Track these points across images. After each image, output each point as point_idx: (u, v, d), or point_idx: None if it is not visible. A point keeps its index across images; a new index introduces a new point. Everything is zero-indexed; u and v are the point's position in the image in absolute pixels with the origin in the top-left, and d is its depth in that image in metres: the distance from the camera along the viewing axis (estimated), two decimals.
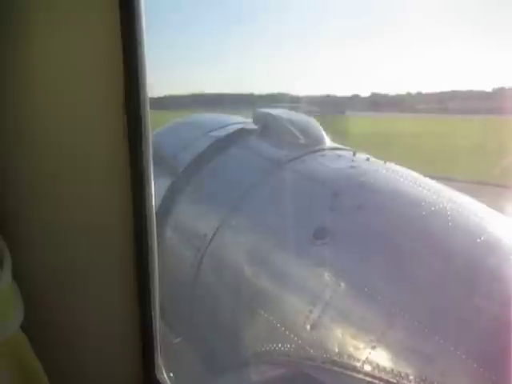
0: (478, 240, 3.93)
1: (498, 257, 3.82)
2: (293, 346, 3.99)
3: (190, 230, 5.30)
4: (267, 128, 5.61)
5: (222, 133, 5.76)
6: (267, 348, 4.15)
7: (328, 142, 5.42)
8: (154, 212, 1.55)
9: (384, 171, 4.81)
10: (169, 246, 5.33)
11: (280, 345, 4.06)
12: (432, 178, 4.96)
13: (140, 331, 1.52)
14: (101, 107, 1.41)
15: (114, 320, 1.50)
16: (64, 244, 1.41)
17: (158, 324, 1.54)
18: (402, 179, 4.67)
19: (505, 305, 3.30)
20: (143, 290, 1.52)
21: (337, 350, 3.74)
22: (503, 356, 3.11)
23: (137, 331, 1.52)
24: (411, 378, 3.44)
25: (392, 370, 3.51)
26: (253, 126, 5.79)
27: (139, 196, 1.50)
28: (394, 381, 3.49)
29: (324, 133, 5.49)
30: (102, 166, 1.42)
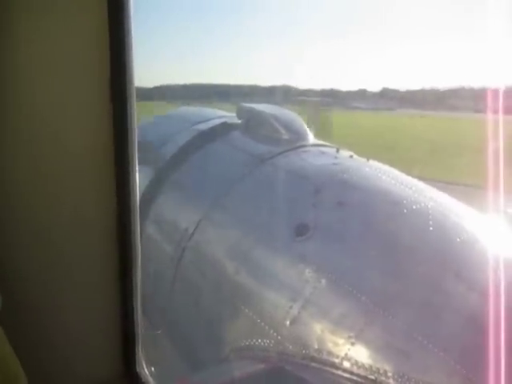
0: (458, 239, 3.96)
1: (477, 256, 3.85)
2: (272, 341, 3.99)
3: (171, 224, 5.27)
4: (251, 123, 5.59)
5: (206, 127, 5.73)
6: (247, 343, 4.15)
7: (311, 138, 5.41)
8: (138, 214, 1.53)
9: (367, 169, 4.83)
10: (150, 240, 5.30)
11: (260, 340, 4.06)
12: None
13: (121, 327, 1.50)
14: (87, 103, 1.39)
15: (95, 316, 1.48)
16: (47, 241, 1.39)
17: (139, 319, 1.53)
18: (384, 177, 4.69)
19: (481, 303, 3.34)
20: (125, 286, 1.50)
21: (316, 346, 3.75)
22: (479, 353, 3.15)
23: (118, 327, 1.50)
24: (389, 374, 3.46)
25: (371, 367, 3.53)
26: (236, 121, 5.77)
27: (123, 192, 1.48)
28: (373, 377, 3.51)
29: (308, 129, 5.49)
30: (87, 160, 1.41)
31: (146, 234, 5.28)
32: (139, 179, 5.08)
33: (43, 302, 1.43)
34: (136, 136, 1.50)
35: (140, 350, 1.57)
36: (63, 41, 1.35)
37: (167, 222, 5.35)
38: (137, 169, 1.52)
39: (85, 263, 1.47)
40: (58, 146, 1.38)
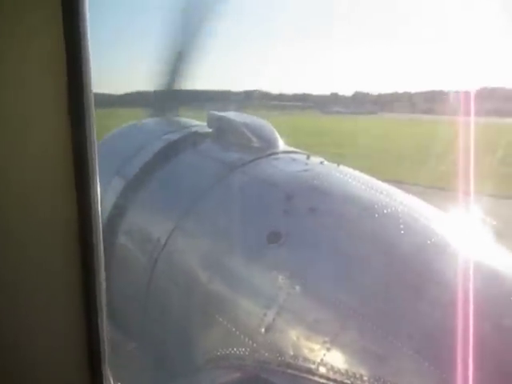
0: (429, 242, 4.01)
1: (447, 259, 3.90)
2: (248, 349, 3.98)
3: (143, 234, 5.24)
4: (221, 131, 5.59)
5: (176, 136, 5.71)
6: (222, 352, 4.13)
7: (282, 145, 5.43)
8: (101, 217, 1.51)
9: (337, 174, 4.86)
10: (122, 252, 5.25)
11: (235, 349, 4.04)
12: None
13: (86, 341, 1.48)
14: (44, 111, 1.37)
15: (58, 329, 1.45)
16: (6, 250, 1.36)
17: (105, 334, 1.51)
18: (354, 182, 4.73)
19: (453, 305, 3.38)
20: (89, 298, 1.48)
21: (292, 353, 3.75)
22: (453, 354, 3.19)
23: (83, 341, 1.48)
24: (365, 378, 3.48)
25: (347, 371, 3.54)
26: (207, 130, 5.77)
27: (85, 201, 1.45)
28: (349, 382, 3.52)
29: (278, 136, 5.51)
30: (46, 170, 1.38)
31: (118, 245, 5.23)
32: (111, 190, 5.02)
33: (2, 315, 1.40)
34: (95, 145, 1.48)
35: (107, 365, 1.54)
36: (17, 47, 1.32)
37: (139, 233, 5.31)
38: (97, 179, 1.50)
39: (45, 278, 1.44)
40: (14, 157, 1.35)
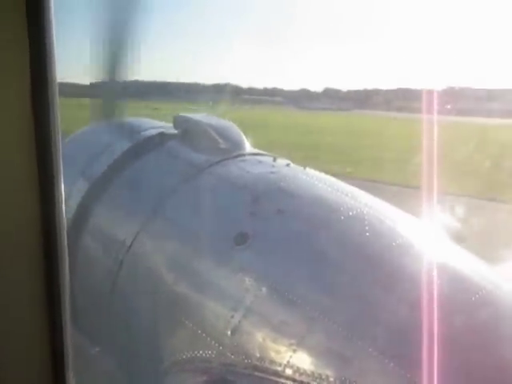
0: (394, 243, 4.06)
1: (412, 260, 3.95)
2: (214, 352, 3.96)
3: (108, 236, 5.17)
4: (188, 133, 5.55)
5: (142, 137, 5.65)
6: (188, 355, 4.10)
7: (248, 147, 5.43)
8: (65, 218, 1.48)
9: (303, 176, 4.88)
10: (87, 253, 5.17)
11: (201, 351, 4.02)
12: None
13: (49, 345, 1.44)
14: (6, 110, 1.33)
15: (20, 333, 1.42)
16: None
17: (68, 337, 1.47)
18: (320, 184, 4.75)
19: (418, 305, 3.42)
20: (53, 301, 1.45)
21: (258, 355, 3.75)
22: (417, 354, 3.23)
23: (46, 344, 1.44)
24: (331, 379, 3.50)
25: (313, 373, 3.55)
26: (173, 131, 5.72)
27: (49, 202, 1.42)
28: (315, 383, 3.53)
29: (244, 138, 5.50)
30: (8, 170, 1.34)
31: (83, 247, 5.15)
32: (76, 191, 4.93)
33: None
34: (60, 145, 1.44)
35: (70, 371, 1.51)
36: None
37: (104, 234, 5.25)
38: (62, 179, 1.47)
39: (7, 281, 1.40)
40: None
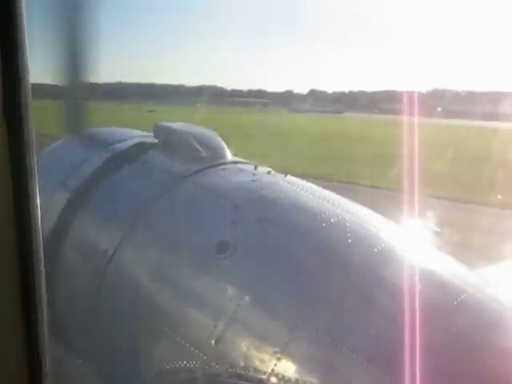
0: (376, 250, 4.07)
1: (394, 266, 3.97)
2: (198, 362, 3.94)
3: (89, 246, 5.12)
4: (168, 142, 5.54)
5: (121, 147, 5.62)
6: (172, 366, 4.08)
7: (229, 155, 5.43)
8: (41, 230, 1.45)
9: (284, 184, 4.89)
10: (67, 265, 5.12)
11: (185, 362, 3.99)
12: None
13: (27, 359, 1.41)
14: None
15: None
16: None
17: (47, 350, 1.45)
18: (302, 192, 4.76)
19: (401, 312, 3.43)
20: (30, 313, 1.42)
21: (242, 364, 3.73)
22: (401, 361, 3.24)
23: (23, 359, 1.41)
24: None
25: (297, 381, 3.55)
26: (153, 140, 5.70)
27: (24, 215, 1.39)
28: None
29: (225, 146, 5.50)
30: None
31: (63, 259, 5.09)
32: (54, 203, 4.88)
33: None
34: (34, 148, 1.42)
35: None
36: None
37: (85, 246, 5.20)
38: (37, 191, 1.44)
39: None
40: None
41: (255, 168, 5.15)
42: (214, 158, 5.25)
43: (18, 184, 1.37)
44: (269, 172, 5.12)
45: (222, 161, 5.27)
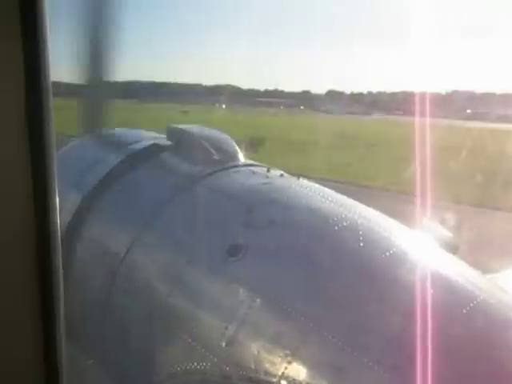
0: (387, 253, 4.06)
1: (406, 270, 3.95)
2: (208, 364, 3.94)
3: (101, 248, 5.15)
4: (180, 144, 5.56)
5: (135, 149, 5.65)
6: (183, 367, 4.09)
7: (242, 158, 5.44)
8: (59, 230, 1.47)
9: (297, 187, 4.89)
10: (80, 266, 5.15)
11: (196, 363, 4.00)
12: None
13: (44, 357, 1.43)
14: (0, 117, 1.32)
15: (14, 346, 1.40)
16: None
17: (63, 350, 1.46)
18: (314, 195, 4.76)
19: (412, 315, 3.42)
20: (47, 313, 1.43)
21: (253, 367, 3.73)
22: (412, 364, 3.22)
23: (40, 357, 1.43)
24: None
25: None
26: (166, 142, 5.73)
27: (43, 214, 1.41)
28: None
29: (238, 149, 5.51)
30: (2, 180, 1.33)
31: (76, 259, 5.13)
32: (68, 203, 4.92)
33: None
34: (55, 155, 1.43)
35: (64, 383, 1.50)
36: None
37: (98, 247, 5.23)
38: (56, 190, 1.46)
39: (1, 293, 1.39)
40: None
41: (268, 171, 5.16)
42: (227, 161, 5.26)
43: (38, 185, 1.39)
44: (281, 175, 5.12)
45: (235, 163, 5.28)
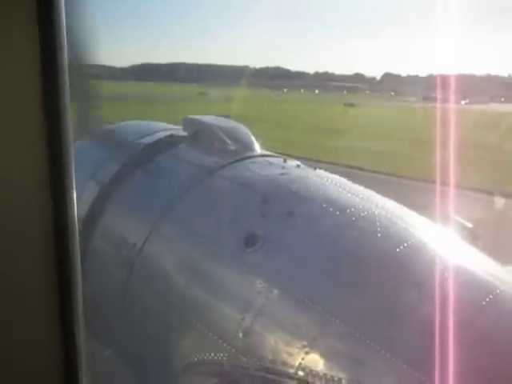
0: (406, 244, 4.02)
1: (424, 261, 3.92)
2: (226, 354, 3.95)
3: (118, 239, 5.17)
4: (197, 135, 5.55)
5: (151, 140, 5.66)
6: (200, 357, 4.09)
7: (258, 148, 5.42)
8: (77, 221, 1.47)
9: (314, 178, 4.86)
10: (97, 257, 5.18)
11: (213, 354, 4.01)
12: None
13: (63, 348, 1.43)
14: (18, 112, 1.32)
15: (33, 337, 1.41)
16: None
17: (82, 340, 1.46)
18: (331, 185, 4.73)
19: (431, 307, 3.39)
20: (66, 305, 1.43)
21: (270, 357, 3.73)
22: (431, 356, 3.20)
23: (59, 348, 1.43)
24: (344, 382, 3.47)
25: (325, 375, 3.53)
26: (182, 133, 5.73)
27: (61, 205, 1.41)
28: None
29: (254, 139, 5.49)
30: (20, 174, 1.33)
31: (94, 251, 5.16)
32: (86, 195, 4.94)
33: None
34: (72, 148, 1.43)
35: (84, 373, 1.50)
36: None
37: (115, 238, 5.25)
38: (74, 182, 1.46)
39: (20, 286, 1.39)
40: None
41: (284, 161, 5.13)
42: (243, 151, 5.25)
43: (56, 177, 1.39)
44: (298, 165, 5.09)
45: (251, 154, 5.26)
